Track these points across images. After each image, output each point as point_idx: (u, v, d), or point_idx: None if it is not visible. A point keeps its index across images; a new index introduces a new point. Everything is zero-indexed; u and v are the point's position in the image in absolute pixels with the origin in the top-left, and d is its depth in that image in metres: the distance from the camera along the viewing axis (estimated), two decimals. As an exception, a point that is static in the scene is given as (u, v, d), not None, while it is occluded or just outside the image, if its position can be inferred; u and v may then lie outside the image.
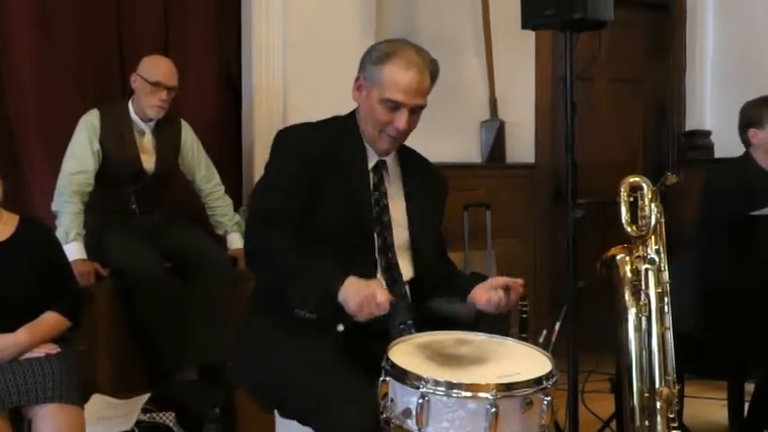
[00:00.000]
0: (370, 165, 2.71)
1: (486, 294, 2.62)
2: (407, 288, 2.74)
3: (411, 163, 2.83)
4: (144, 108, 4.12)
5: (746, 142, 3.94)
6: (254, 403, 2.70)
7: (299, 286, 2.48)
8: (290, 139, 2.69)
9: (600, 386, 3.72)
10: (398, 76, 2.57)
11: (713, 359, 3.62)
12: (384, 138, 2.66)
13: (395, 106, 2.59)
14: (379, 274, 2.66)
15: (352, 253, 2.60)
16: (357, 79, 2.68)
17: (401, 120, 2.60)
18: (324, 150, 2.63)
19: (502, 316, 2.77)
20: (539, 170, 5.81)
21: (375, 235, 2.67)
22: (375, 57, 2.62)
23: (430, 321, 2.66)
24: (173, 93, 4.14)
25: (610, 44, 5.67)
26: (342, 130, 2.72)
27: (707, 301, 3.66)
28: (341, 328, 2.51)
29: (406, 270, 2.73)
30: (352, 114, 2.76)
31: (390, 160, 2.76)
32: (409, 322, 2.66)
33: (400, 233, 2.73)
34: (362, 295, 2.35)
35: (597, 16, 3.39)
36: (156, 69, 4.10)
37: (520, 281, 2.64)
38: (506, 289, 2.62)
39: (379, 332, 2.55)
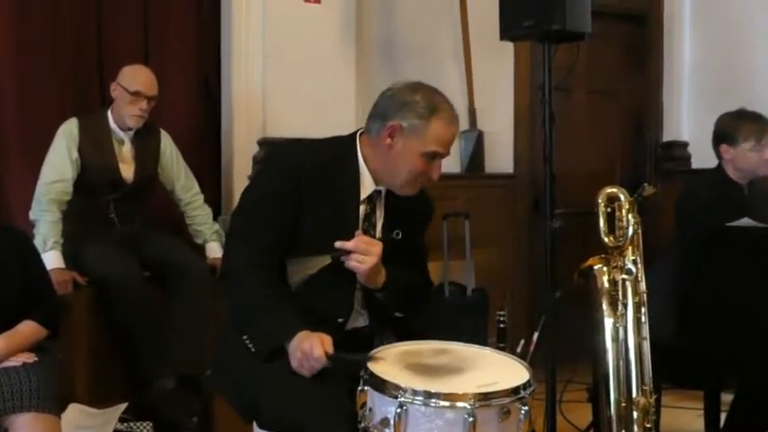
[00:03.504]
0: (364, 195, 2.66)
1: None
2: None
3: None
4: (123, 117, 4.11)
5: (719, 155, 3.97)
6: (233, 413, 2.69)
7: (256, 322, 2.52)
8: (282, 158, 2.67)
9: (577, 396, 3.73)
10: (444, 131, 2.60)
11: (690, 369, 3.63)
12: (416, 185, 2.65)
13: (434, 158, 2.60)
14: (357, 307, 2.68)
15: (331, 284, 2.58)
16: (390, 126, 2.58)
17: (436, 170, 2.62)
18: (315, 175, 2.59)
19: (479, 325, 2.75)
20: (517, 180, 5.82)
21: None
22: (421, 110, 2.57)
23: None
24: (152, 102, 4.14)
25: (588, 56, 5.71)
26: (339, 156, 2.66)
27: (683, 312, 3.67)
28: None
29: None
30: (353, 140, 2.70)
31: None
32: None
33: None
34: (301, 350, 2.39)
35: (575, 28, 3.41)
36: (136, 79, 4.10)
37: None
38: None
39: (361, 346, 2.52)
